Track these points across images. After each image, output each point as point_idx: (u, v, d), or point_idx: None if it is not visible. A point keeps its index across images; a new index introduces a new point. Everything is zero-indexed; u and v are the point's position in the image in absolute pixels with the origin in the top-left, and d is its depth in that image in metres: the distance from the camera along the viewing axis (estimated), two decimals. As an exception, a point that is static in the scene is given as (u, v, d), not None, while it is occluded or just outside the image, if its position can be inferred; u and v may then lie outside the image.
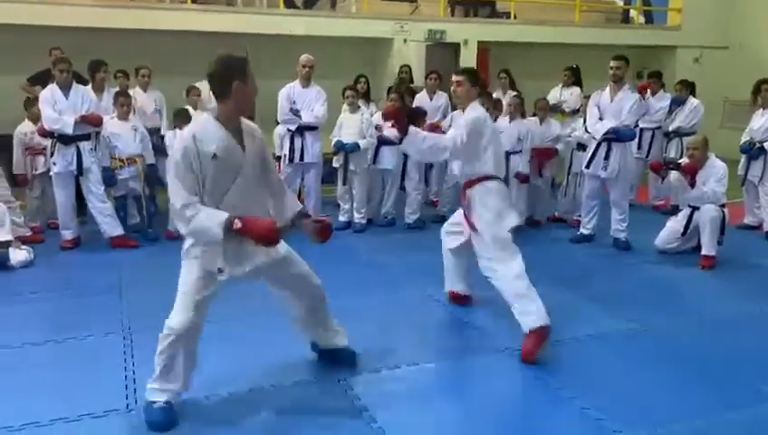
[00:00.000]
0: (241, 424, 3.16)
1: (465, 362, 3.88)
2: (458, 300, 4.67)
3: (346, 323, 4.33)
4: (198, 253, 3.07)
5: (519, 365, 3.80)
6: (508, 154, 6.44)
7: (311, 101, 6.67)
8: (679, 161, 6.14)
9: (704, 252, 5.70)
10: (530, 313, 3.84)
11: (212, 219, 2.92)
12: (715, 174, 5.79)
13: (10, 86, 7.68)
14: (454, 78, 4.24)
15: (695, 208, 5.86)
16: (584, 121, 6.93)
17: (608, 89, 6.12)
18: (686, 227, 5.91)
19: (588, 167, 6.21)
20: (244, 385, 3.49)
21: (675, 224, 6.06)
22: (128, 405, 3.28)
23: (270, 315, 4.38)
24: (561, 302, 4.80)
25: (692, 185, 5.77)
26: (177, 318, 3.12)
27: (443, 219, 7.08)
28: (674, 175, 5.94)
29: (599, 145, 6.10)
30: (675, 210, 7.60)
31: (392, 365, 3.75)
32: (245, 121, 3.12)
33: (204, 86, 7.84)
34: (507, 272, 3.94)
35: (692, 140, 6.11)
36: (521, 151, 6.62)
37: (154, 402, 3.11)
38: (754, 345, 4.13)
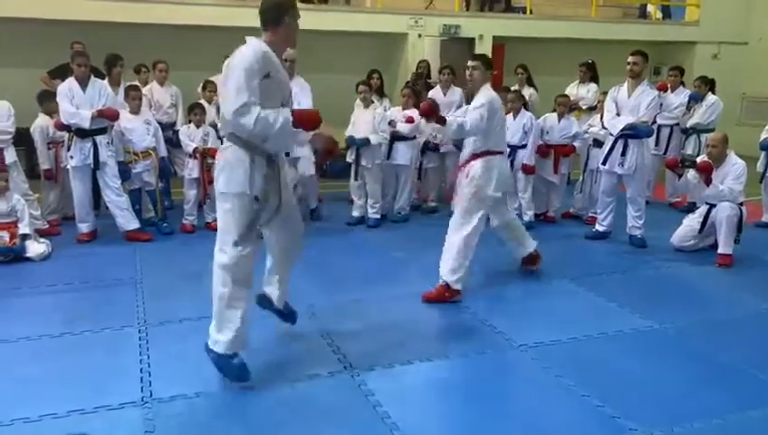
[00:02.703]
0: (254, 418, 3.17)
1: (479, 359, 3.87)
2: (532, 262, 5.22)
3: (359, 316, 4.38)
4: (238, 187, 3.24)
5: (533, 362, 3.79)
6: (515, 148, 6.44)
7: (296, 96, 6.64)
8: (695, 159, 6.07)
9: (720, 250, 5.64)
10: (452, 267, 4.57)
11: (281, 113, 3.18)
12: (733, 172, 5.72)
13: (28, 80, 7.76)
14: (469, 63, 4.74)
15: (712, 206, 5.80)
16: (601, 117, 6.89)
17: (626, 84, 6.07)
18: (703, 224, 5.85)
19: (604, 163, 6.16)
20: (256, 379, 3.48)
21: (691, 221, 6.00)
22: (143, 398, 3.30)
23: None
24: (577, 299, 4.79)
25: (707, 183, 5.71)
26: (222, 258, 3.41)
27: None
28: (691, 172, 5.88)
29: (615, 141, 6.05)
30: (692, 208, 7.54)
31: (405, 361, 3.75)
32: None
33: (219, 79, 7.90)
34: (455, 237, 4.63)
35: (711, 136, 6.04)
36: (526, 145, 6.61)
37: (228, 359, 3.38)
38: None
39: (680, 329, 4.27)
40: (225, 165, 3.29)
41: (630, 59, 6.00)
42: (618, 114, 6.05)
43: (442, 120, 4.61)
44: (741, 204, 5.74)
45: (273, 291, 3.82)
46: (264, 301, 3.85)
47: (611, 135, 6.13)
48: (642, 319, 4.42)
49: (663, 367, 3.76)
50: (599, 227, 6.40)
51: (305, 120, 3.31)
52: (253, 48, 3.20)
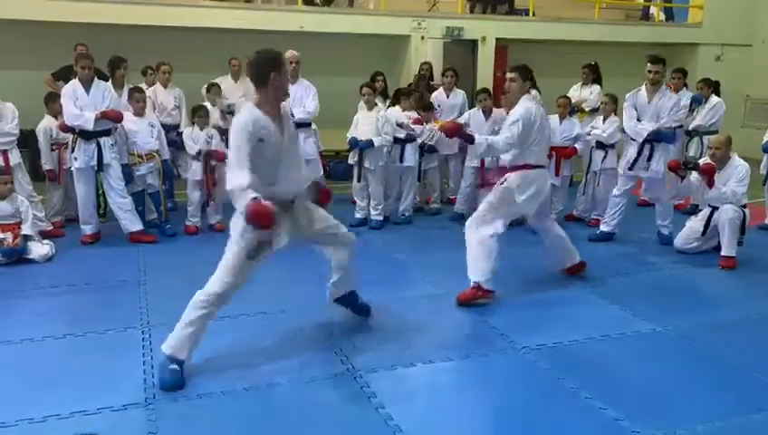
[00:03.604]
0: (256, 420, 3.17)
1: (482, 361, 3.87)
2: (576, 270, 5.20)
3: (363, 320, 4.37)
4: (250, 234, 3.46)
5: (536, 364, 3.79)
6: None
7: (301, 98, 6.67)
8: (698, 161, 6.07)
9: (723, 252, 5.63)
10: (477, 268, 4.56)
11: (243, 199, 3.29)
12: (736, 174, 5.72)
13: (32, 82, 7.79)
14: (508, 75, 4.76)
15: (714, 208, 5.79)
16: (603, 120, 6.89)
17: (643, 89, 6.11)
18: (706, 226, 5.84)
19: (631, 169, 6.20)
20: (259, 380, 3.50)
21: (694, 223, 6.00)
22: (146, 399, 3.31)
23: (283, 311, 4.43)
24: (579, 301, 4.79)
25: (710, 185, 5.70)
26: (214, 287, 3.55)
27: (461, 217, 7.14)
28: (694, 174, 5.88)
29: (642, 146, 6.09)
30: (695, 210, 7.53)
31: (408, 363, 3.76)
32: (283, 105, 3.63)
33: (223, 81, 7.95)
34: (473, 236, 4.62)
35: (714, 138, 6.03)
36: None
37: (169, 363, 3.48)
38: (775, 347, 4.09)
39: (683, 332, 4.27)
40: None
41: (652, 67, 6.01)
42: (638, 119, 6.10)
43: (470, 139, 4.68)
44: (744, 206, 5.73)
45: (338, 290, 4.17)
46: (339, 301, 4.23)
47: (633, 140, 6.18)
48: (645, 321, 4.41)
49: (666, 370, 3.75)
50: (604, 228, 6.40)
51: (256, 219, 3.32)
52: (245, 118, 3.43)
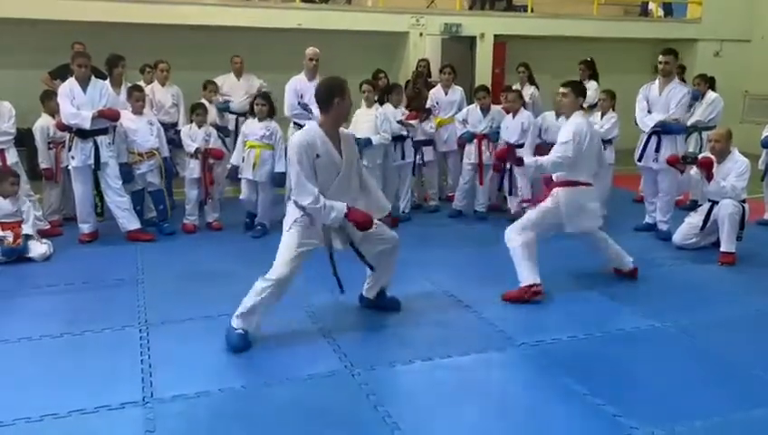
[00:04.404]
0: (255, 417, 3.17)
1: (480, 357, 3.87)
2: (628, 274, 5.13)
3: (360, 316, 4.38)
4: (300, 226, 3.81)
5: (535, 361, 3.78)
6: (513, 147, 6.46)
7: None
8: (697, 155, 6.07)
9: (723, 248, 5.62)
10: (521, 273, 4.57)
11: (336, 207, 3.76)
12: (736, 169, 5.69)
13: (29, 81, 7.77)
14: (561, 90, 4.78)
15: (714, 203, 5.79)
16: (601, 116, 6.89)
17: (656, 82, 6.24)
18: (705, 222, 5.83)
19: (640, 160, 6.34)
20: (258, 378, 3.50)
21: (693, 219, 5.99)
22: (144, 398, 3.30)
23: (283, 309, 4.41)
24: (578, 297, 4.78)
25: (708, 179, 5.69)
26: (279, 269, 3.78)
27: (460, 214, 7.15)
28: (694, 169, 5.87)
29: (649, 137, 6.23)
30: (694, 205, 7.52)
31: (406, 360, 3.75)
32: (342, 130, 3.95)
33: (226, 79, 7.93)
34: (516, 241, 4.62)
35: (714, 132, 6.02)
36: (524, 144, 6.63)
37: (235, 329, 3.81)
38: (774, 343, 4.08)
39: (682, 328, 4.26)
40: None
41: (662, 58, 6.17)
42: (649, 111, 6.21)
43: (519, 162, 4.75)
44: (743, 201, 5.72)
45: (370, 291, 4.41)
46: (364, 301, 4.44)
47: (643, 131, 6.31)
48: (644, 318, 4.41)
49: (665, 366, 3.75)
50: (648, 220, 6.58)
51: (358, 219, 3.82)
52: (302, 134, 3.83)
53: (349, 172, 3.92)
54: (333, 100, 3.75)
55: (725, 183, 5.65)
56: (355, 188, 4.02)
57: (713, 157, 5.73)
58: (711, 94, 7.69)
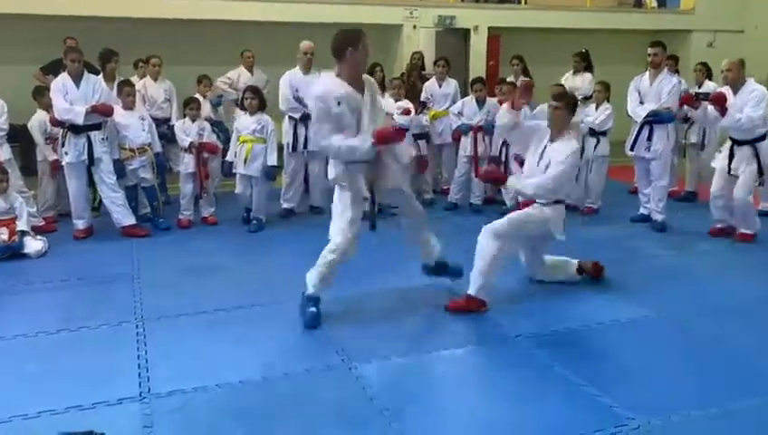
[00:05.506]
0: (252, 412, 3.17)
1: (476, 350, 3.88)
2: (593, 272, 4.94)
3: (356, 309, 4.39)
4: (346, 181, 4.04)
5: (530, 353, 3.79)
6: (500, 162, 6.48)
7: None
8: (708, 92, 6.12)
9: (740, 230, 5.82)
10: (476, 282, 4.31)
11: (357, 140, 3.95)
12: (752, 99, 5.59)
13: (22, 77, 7.72)
14: (553, 103, 4.52)
15: (734, 142, 5.77)
16: (596, 108, 6.90)
17: (647, 74, 6.30)
18: (730, 161, 5.80)
19: (632, 149, 6.37)
20: (254, 373, 3.50)
21: (720, 167, 5.92)
22: (141, 393, 3.30)
23: (279, 303, 4.43)
24: (573, 288, 4.79)
25: (722, 114, 5.67)
26: (338, 237, 4.04)
27: (455, 207, 7.15)
28: (710, 107, 5.85)
29: (641, 127, 6.27)
30: (689, 196, 7.55)
31: (403, 353, 3.76)
32: (366, 76, 4.12)
33: (240, 75, 7.86)
34: (490, 246, 4.33)
35: (727, 61, 5.95)
36: None
37: (308, 306, 4.11)
38: (769, 332, 4.10)
39: (677, 318, 4.28)
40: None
41: (651, 50, 6.24)
42: (641, 102, 6.26)
43: (504, 180, 4.74)
44: (763, 137, 5.65)
45: (426, 256, 4.55)
46: (427, 270, 4.60)
47: (636, 122, 6.36)
48: (638, 308, 4.42)
49: (660, 356, 3.77)
50: (642, 211, 6.58)
51: (387, 136, 3.98)
52: (318, 87, 4.04)
53: (374, 108, 4.06)
54: (346, 50, 3.89)
55: (741, 115, 5.59)
56: (383, 119, 4.22)
57: (723, 92, 5.70)
58: (709, 84, 7.64)
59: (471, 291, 4.30)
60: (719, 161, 6.01)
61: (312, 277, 4.12)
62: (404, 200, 4.34)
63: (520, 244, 4.64)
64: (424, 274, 4.61)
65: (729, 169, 5.83)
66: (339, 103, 3.90)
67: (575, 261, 4.90)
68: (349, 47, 3.90)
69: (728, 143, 5.92)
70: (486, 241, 4.32)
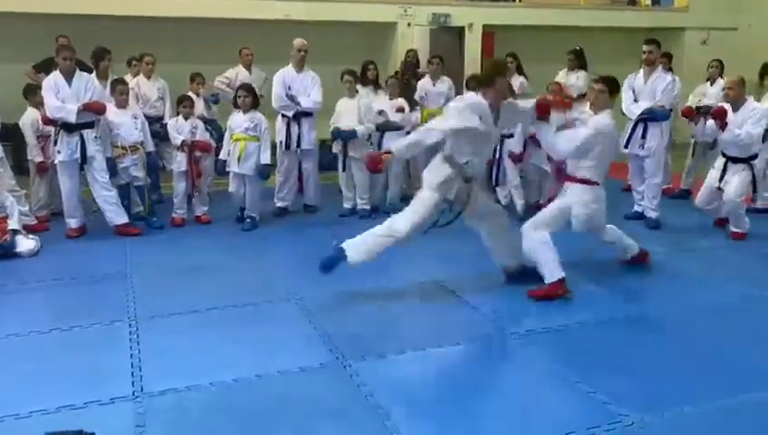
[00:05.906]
0: (246, 411, 3.15)
1: (471, 347, 3.88)
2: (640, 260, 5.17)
3: (350, 307, 4.37)
4: (444, 188, 4.34)
5: (525, 350, 3.80)
6: (503, 137, 6.45)
7: (306, 87, 6.61)
8: (710, 105, 6.14)
9: (732, 229, 5.88)
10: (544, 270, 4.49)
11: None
12: (752, 117, 5.69)
13: (14, 75, 7.68)
14: (594, 85, 4.81)
15: (728, 159, 5.83)
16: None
17: (641, 71, 6.32)
18: (722, 176, 5.86)
19: (626, 146, 6.38)
20: (248, 371, 3.49)
21: (711, 179, 6.00)
22: (134, 392, 3.28)
23: (271, 302, 4.42)
24: (569, 286, 4.78)
25: (722, 128, 5.71)
26: (403, 226, 4.31)
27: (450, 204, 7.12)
28: (710, 121, 5.90)
29: (635, 125, 6.30)
30: (683, 194, 7.56)
31: (398, 350, 3.75)
32: (504, 101, 4.44)
33: (238, 73, 7.84)
34: (534, 236, 4.55)
35: (727, 79, 6.06)
36: (513, 134, 6.60)
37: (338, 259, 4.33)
38: (763, 330, 4.12)
39: (671, 315, 4.29)
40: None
41: (645, 48, 6.28)
42: (636, 100, 6.29)
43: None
44: (755, 156, 5.78)
45: (507, 263, 4.73)
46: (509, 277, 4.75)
47: (630, 119, 6.38)
48: (633, 305, 4.44)
49: (654, 353, 3.77)
50: (637, 208, 6.63)
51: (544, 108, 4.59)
52: (476, 97, 4.35)
53: (495, 137, 4.59)
54: (495, 78, 4.29)
55: (740, 131, 5.65)
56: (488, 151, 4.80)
57: (724, 107, 5.75)
58: (721, 81, 7.65)
59: (547, 280, 4.47)
60: (710, 177, 6.05)
61: (357, 247, 4.31)
62: (491, 214, 4.66)
63: (560, 227, 4.74)
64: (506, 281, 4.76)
65: (719, 183, 5.89)
66: (480, 118, 4.22)
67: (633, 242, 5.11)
68: (498, 76, 4.31)
69: (721, 160, 5.94)
70: (528, 237, 4.58)
